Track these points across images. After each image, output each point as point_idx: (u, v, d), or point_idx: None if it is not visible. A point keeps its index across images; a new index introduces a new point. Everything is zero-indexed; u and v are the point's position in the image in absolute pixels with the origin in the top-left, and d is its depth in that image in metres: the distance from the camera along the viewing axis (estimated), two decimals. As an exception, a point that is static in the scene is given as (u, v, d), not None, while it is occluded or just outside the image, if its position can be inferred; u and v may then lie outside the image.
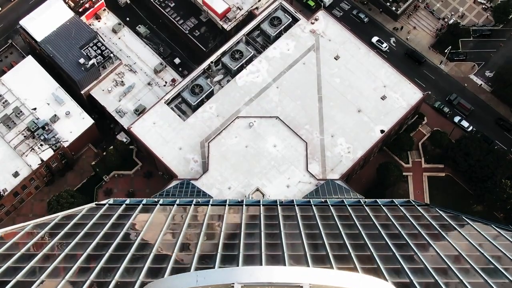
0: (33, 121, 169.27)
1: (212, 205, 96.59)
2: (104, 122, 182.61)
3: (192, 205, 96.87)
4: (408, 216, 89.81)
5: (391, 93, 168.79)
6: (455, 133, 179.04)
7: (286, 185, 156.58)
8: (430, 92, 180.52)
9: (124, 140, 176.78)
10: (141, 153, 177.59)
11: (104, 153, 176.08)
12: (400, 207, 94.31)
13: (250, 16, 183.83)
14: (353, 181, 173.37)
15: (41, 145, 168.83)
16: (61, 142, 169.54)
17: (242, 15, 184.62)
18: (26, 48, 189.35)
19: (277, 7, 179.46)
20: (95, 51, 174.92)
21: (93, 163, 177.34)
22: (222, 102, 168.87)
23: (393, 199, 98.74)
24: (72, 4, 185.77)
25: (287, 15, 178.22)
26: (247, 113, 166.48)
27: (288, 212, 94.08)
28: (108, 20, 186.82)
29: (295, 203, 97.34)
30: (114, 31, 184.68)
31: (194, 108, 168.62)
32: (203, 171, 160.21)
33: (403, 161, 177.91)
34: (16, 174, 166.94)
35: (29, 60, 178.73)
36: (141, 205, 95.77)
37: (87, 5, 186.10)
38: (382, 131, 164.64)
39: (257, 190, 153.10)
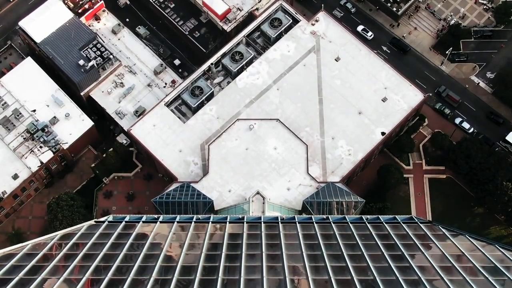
0: (33, 123, 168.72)
1: (212, 222, 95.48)
2: (104, 124, 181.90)
3: (193, 222, 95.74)
4: (411, 235, 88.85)
5: (392, 95, 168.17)
6: (456, 135, 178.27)
7: (287, 188, 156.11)
8: (431, 94, 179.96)
9: (124, 141, 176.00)
10: (141, 155, 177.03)
11: (104, 155, 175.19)
12: (403, 224, 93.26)
13: (250, 17, 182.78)
14: (354, 183, 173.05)
15: (41, 147, 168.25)
16: (61, 144, 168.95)
17: (242, 16, 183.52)
18: (25, 49, 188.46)
19: (277, 8, 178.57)
20: (94, 52, 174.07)
21: (93, 165, 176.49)
22: (222, 104, 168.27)
23: (396, 216, 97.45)
24: (72, 5, 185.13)
25: (287, 16, 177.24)
26: (247, 115, 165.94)
27: (290, 230, 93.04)
28: (108, 21, 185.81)
29: (296, 220, 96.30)
30: (114, 32, 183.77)
31: (194, 110, 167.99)
32: (204, 173, 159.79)
33: (404, 163, 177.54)
34: (15, 177, 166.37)
35: (29, 62, 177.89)
36: (140, 223, 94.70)
37: (86, 6, 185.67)
38: (383, 133, 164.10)
39: (258, 193, 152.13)
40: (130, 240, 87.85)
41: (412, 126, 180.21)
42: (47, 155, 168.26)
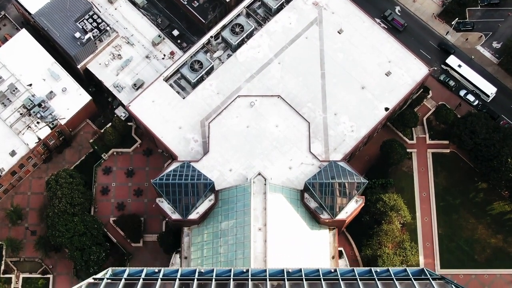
0: (29, 98, 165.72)
1: (215, 279, 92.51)
2: (102, 96, 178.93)
3: (195, 280, 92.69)
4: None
5: (396, 68, 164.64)
6: (461, 107, 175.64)
7: (289, 167, 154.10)
8: (436, 68, 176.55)
9: (123, 114, 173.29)
10: (140, 129, 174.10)
11: (102, 131, 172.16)
12: (414, 281, 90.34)
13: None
14: (356, 159, 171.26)
15: (38, 122, 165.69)
16: (58, 120, 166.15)
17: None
18: (20, 18, 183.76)
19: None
20: (91, 23, 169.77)
21: (91, 140, 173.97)
22: (222, 79, 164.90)
23: (406, 268, 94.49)
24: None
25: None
26: (248, 90, 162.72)
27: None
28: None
29: (303, 274, 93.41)
30: (110, 1, 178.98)
31: (194, 85, 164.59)
32: (204, 151, 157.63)
33: (407, 137, 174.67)
34: (13, 153, 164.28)
35: (23, 34, 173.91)
36: (141, 281, 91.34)
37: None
38: (386, 109, 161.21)
39: (259, 174, 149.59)
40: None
41: (416, 98, 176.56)
42: (44, 131, 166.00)
